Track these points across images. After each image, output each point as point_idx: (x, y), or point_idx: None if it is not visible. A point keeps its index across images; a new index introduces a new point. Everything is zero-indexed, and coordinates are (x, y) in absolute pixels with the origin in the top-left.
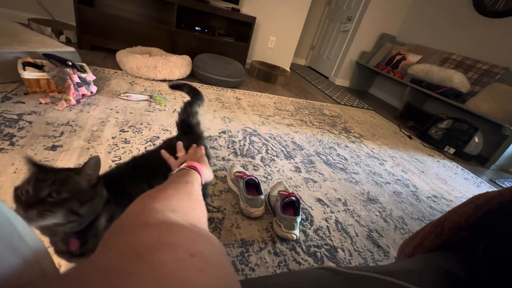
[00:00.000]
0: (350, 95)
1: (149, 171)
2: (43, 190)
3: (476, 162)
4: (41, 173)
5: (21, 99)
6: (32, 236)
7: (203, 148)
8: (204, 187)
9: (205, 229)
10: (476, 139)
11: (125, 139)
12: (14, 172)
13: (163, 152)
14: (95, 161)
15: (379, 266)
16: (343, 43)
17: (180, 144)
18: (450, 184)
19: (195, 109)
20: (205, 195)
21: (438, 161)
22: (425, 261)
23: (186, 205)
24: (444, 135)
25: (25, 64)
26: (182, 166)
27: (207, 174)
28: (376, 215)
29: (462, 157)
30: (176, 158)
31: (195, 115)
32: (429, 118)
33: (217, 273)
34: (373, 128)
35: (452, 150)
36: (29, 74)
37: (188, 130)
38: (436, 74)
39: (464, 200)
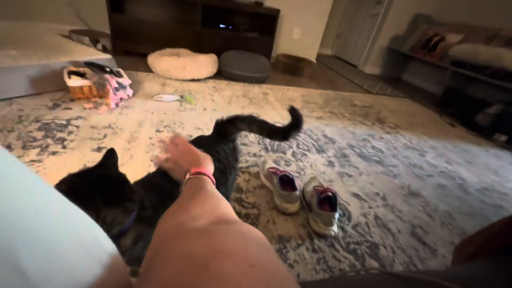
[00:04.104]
0: (382, 83)
1: None
2: None
3: None
4: None
5: (68, 105)
6: (107, 240)
7: (180, 137)
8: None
9: (237, 219)
10: None
11: (161, 139)
12: (68, 173)
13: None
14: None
15: (444, 271)
16: (373, 28)
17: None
18: (504, 175)
19: (245, 129)
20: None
21: (487, 150)
22: (496, 264)
23: (207, 207)
24: (493, 121)
25: (70, 73)
26: (187, 177)
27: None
28: (419, 210)
29: None
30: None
31: (239, 130)
32: (474, 103)
33: (280, 283)
34: (410, 117)
35: (503, 138)
36: (74, 82)
37: (223, 135)
38: (483, 54)
39: None
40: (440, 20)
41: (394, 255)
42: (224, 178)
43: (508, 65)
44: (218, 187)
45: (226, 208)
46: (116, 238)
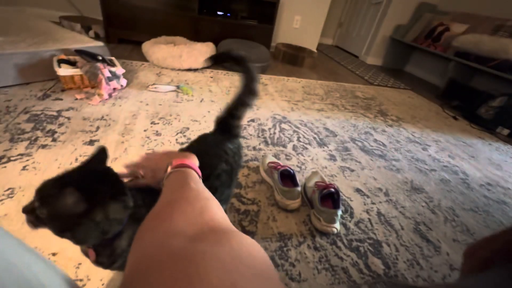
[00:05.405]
0: (384, 75)
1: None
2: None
3: None
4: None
5: (59, 95)
6: (48, 276)
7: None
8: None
9: (228, 226)
10: None
11: (156, 131)
12: (58, 167)
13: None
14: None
15: (457, 284)
16: (375, 17)
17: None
18: (507, 170)
19: (243, 111)
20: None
21: (490, 144)
22: None
23: (191, 213)
24: (497, 114)
25: (60, 61)
26: (168, 171)
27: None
28: (423, 206)
29: None
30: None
31: (240, 119)
32: (477, 96)
33: None
34: (412, 110)
35: (506, 131)
36: (64, 71)
37: (226, 130)
38: (487, 45)
39: None
40: (445, 9)
41: (398, 253)
42: (230, 180)
43: None
44: (223, 190)
45: (214, 211)
46: (110, 241)
